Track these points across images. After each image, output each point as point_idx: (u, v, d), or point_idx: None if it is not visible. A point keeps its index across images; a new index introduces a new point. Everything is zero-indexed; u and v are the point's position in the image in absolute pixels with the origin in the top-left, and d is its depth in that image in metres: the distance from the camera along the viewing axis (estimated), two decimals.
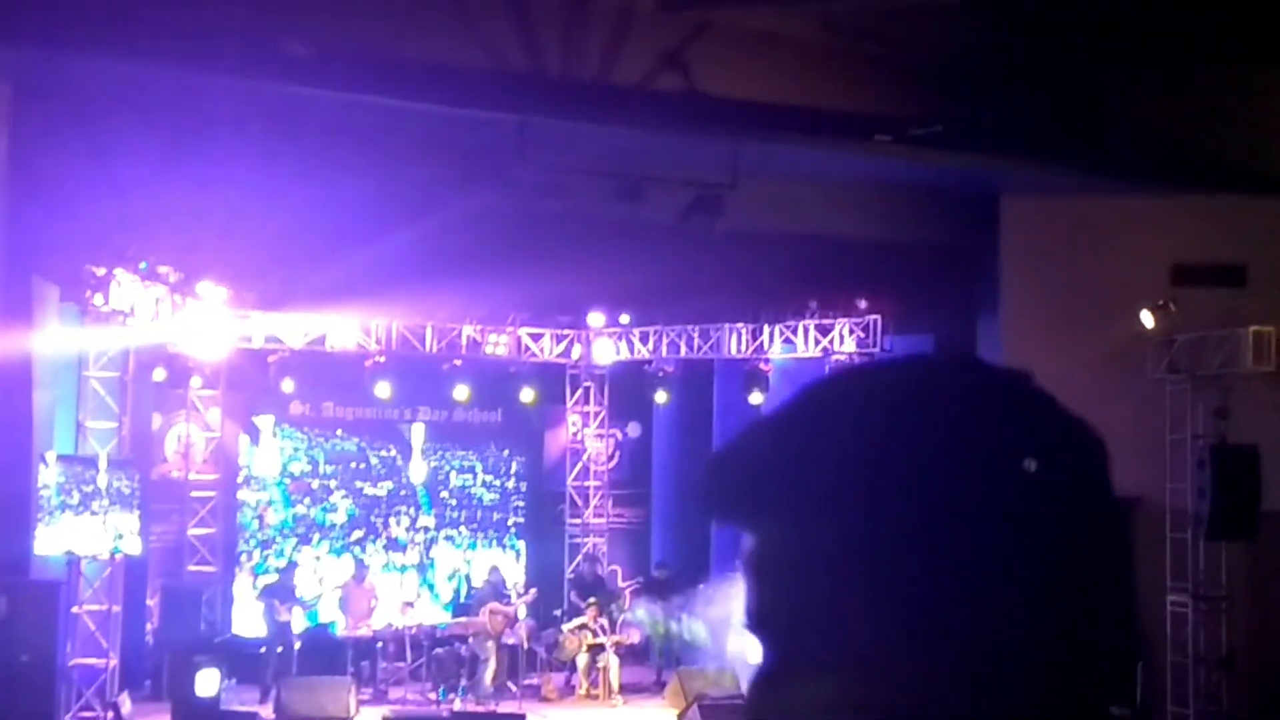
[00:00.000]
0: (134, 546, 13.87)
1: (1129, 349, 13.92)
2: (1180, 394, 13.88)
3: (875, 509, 0.91)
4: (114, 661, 13.94)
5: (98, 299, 13.33)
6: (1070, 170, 13.73)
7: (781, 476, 0.96)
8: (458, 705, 14.40)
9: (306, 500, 17.66)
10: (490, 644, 15.27)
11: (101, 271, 13.34)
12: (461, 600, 17.68)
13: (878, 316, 15.65)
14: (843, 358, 16.06)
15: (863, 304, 15.66)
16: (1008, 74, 13.37)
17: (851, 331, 15.92)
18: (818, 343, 16.23)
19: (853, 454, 0.93)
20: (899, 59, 13.19)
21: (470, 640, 15.39)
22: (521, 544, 18.58)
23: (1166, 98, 13.70)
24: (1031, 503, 0.92)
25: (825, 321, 16.12)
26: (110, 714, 13.43)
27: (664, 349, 17.30)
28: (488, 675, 15.15)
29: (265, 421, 17.41)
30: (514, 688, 15.21)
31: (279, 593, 15.99)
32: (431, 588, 18.00)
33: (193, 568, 16.44)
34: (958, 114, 13.11)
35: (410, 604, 16.83)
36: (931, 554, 0.91)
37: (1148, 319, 13.79)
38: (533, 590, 16.59)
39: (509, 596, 16.12)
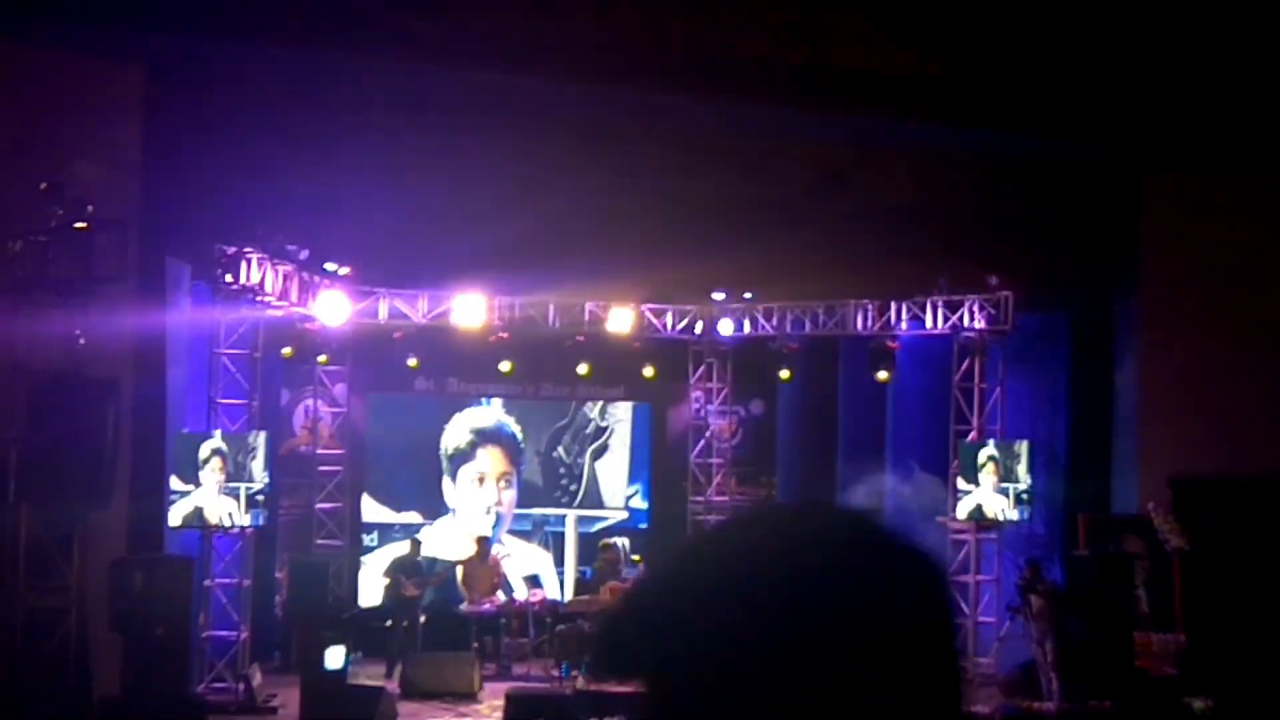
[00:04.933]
0: (259, 518, 14.12)
1: (1273, 325, 13.40)
2: None
3: (747, 656, 1.07)
4: (245, 634, 14.21)
5: (228, 277, 13.51)
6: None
7: (666, 634, 1.10)
8: (580, 683, 14.36)
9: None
10: None
11: (232, 250, 13.53)
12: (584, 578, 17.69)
13: (1009, 294, 15.19)
14: (973, 335, 15.66)
15: (994, 281, 15.19)
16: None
17: (981, 308, 15.50)
18: (946, 319, 15.84)
19: (728, 612, 1.08)
20: None
21: (594, 617, 15.37)
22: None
23: None
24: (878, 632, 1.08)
25: (955, 298, 15.71)
26: (242, 685, 13.68)
27: (788, 325, 17.03)
28: None
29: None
30: None
31: (405, 568, 16.13)
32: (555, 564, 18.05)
33: (320, 541, 16.67)
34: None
35: (536, 580, 16.84)
36: (802, 692, 1.07)
37: None
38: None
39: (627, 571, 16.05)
